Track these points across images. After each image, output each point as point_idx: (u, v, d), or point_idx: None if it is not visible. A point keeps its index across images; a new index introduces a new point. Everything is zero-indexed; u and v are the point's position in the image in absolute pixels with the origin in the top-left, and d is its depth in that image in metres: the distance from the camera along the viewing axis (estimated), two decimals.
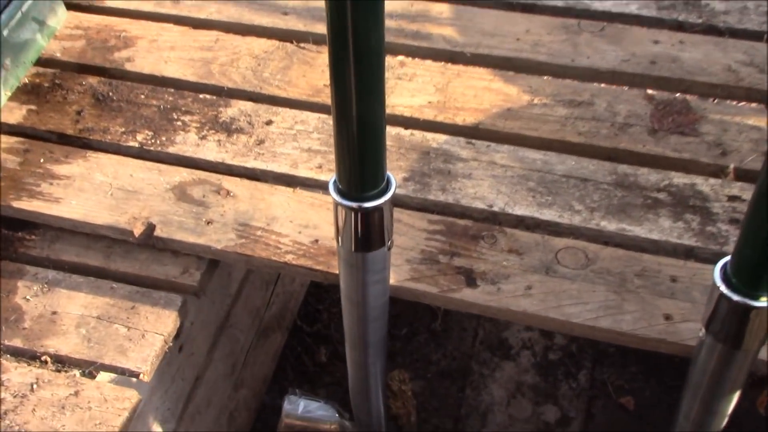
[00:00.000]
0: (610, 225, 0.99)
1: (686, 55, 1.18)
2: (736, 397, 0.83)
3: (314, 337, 1.76)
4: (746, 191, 1.00)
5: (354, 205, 0.77)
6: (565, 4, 1.27)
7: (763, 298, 0.71)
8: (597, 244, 0.98)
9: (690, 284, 0.93)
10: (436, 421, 1.63)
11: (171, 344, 0.99)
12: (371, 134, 0.72)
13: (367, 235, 0.80)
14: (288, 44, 1.23)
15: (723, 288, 0.73)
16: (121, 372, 0.95)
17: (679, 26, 1.23)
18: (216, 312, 1.29)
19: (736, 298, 0.72)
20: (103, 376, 0.96)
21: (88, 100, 1.18)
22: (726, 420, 0.86)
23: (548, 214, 1.00)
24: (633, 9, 1.25)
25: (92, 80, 1.21)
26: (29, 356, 0.97)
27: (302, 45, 1.23)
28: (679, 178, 1.03)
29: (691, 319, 0.89)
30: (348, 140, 0.71)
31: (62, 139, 1.14)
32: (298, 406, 1.19)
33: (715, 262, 0.73)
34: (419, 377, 1.69)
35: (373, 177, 0.77)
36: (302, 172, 1.07)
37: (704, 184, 1.02)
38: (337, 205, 0.78)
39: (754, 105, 1.11)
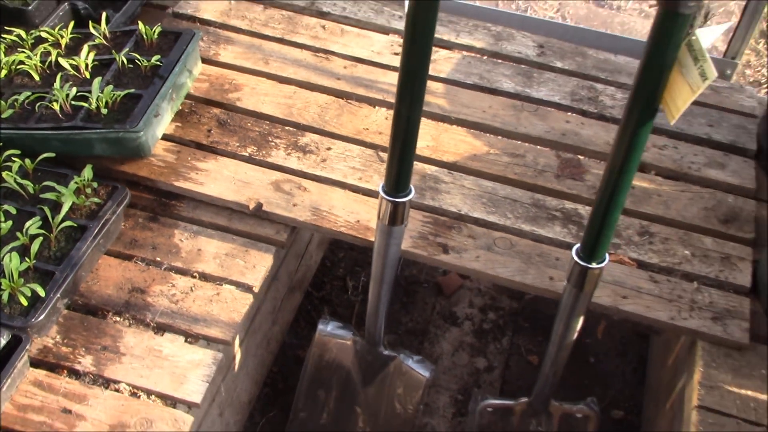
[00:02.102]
0: (525, 227, 1.73)
1: (584, 131, 1.94)
2: (581, 320, 1.57)
3: (320, 300, 2.46)
4: None
5: (392, 199, 1.49)
6: (515, 90, 2.02)
7: (594, 263, 1.45)
8: (517, 237, 1.72)
9: (565, 262, 1.67)
10: None
11: (269, 273, 1.68)
12: (407, 164, 1.43)
13: (395, 216, 1.52)
14: (340, 99, 1.96)
15: (575, 259, 1.46)
16: (242, 286, 1.64)
17: (583, 113, 1.99)
18: (271, 270, 1.99)
19: (581, 263, 1.45)
20: (230, 287, 1.65)
21: (213, 123, 1.88)
22: (576, 334, 1.60)
23: (492, 218, 1.74)
24: (555, 98, 2.00)
25: (215, 110, 1.91)
26: (185, 273, 1.66)
27: (349, 101, 1.95)
28: (569, 204, 1.78)
29: (562, 280, 1.63)
30: (398, 161, 1.42)
31: (199, 147, 1.84)
32: (328, 326, 1.90)
33: None
34: (392, 332, 2.40)
35: (404, 187, 1.49)
36: (349, 180, 1.79)
37: (582, 209, 1.77)
38: (382, 199, 1.49)
39: None
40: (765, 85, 2.55)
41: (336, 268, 2.55)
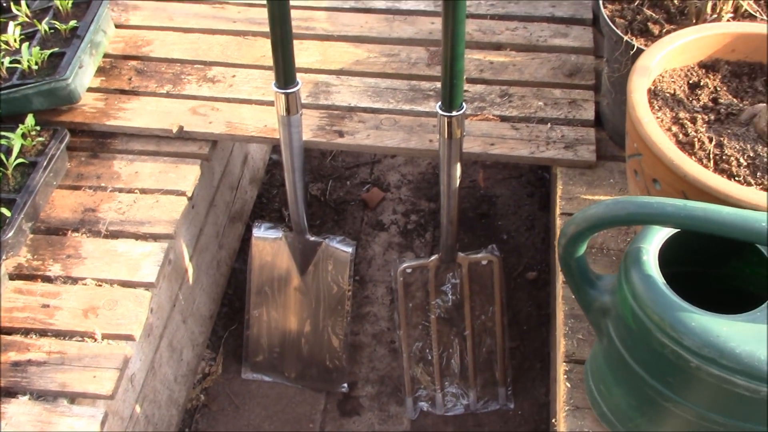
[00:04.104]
0: (405, 107, 2.07)
1: None
2: (460, 167, 1.90)
3: None
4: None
5: (284, 91, 1.81)
6: (386, 6, 2.36)
7: (455, 112, 1.77)
8: (400, 116, 2.05)
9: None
10: None
11: (198, 182, 1.99)
12: (288, 57, 1.76)
13: (290, 106, 1.84)
14: (238, 37, 2.28)
15: (440, 112, 1.79)
16: (177, 192, 1.95)
17: None
18: (207, 195, 2.30)
19: (444, 114, 1.78)
20: (167, 195, 1.96)
21: (132, 73, 2.19)
22: (459, 181, 1.93)
23: (377, 105, 2.07)
24: (421, 7, 2.35)
25: (133, 62, 2.22)
26: (127, 191, 1.96)
27: (246, 37, 2.28)
28: (439, 85, 2.12)
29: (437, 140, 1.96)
30: (281, 60, 1.75)
31: (123, 92, 2.14)
32: (261, 228, 2.21)
33: None
34: None
35: (291, 80, 1.81)
36: (254, 97, 2.11)
37: None
38: (277, 94, 1.82)
39: (475, 51, 2.22)
40: None
41: (272, 203, 2.86)
